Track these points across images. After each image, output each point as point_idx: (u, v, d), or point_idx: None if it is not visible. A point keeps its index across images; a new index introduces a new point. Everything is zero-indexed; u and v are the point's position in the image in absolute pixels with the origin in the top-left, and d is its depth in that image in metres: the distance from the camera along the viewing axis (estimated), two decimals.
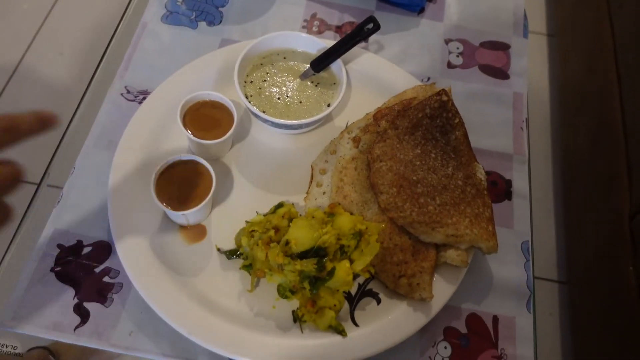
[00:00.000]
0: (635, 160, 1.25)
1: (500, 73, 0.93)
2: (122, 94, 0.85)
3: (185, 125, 0.76)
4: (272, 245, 0.67)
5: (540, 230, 1.59)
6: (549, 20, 1.97)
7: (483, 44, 0.96)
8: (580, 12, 1.71)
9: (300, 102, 0.81)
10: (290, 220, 0.70)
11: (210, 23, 0.94)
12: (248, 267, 0.70)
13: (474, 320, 0.72)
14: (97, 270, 0.72)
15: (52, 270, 0.71)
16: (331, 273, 0.67)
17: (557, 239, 1.59)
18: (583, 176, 1.50)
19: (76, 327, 0.68)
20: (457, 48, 0.96)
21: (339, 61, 0.82)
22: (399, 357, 0.69)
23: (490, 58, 0.95)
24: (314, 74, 0.83)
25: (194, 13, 0.95)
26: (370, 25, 0.83)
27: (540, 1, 2.01)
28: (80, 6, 1.82)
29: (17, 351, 0.67)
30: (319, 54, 0.83)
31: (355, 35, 0.83)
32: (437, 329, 0.71)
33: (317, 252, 0.67)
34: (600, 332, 1.28)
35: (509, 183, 0.83)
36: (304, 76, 0.83)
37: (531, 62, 0.96)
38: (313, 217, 0.70)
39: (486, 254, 0.72)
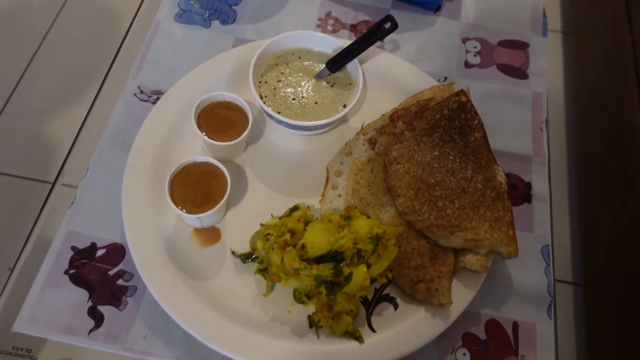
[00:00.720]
0: None
1: (519, 72, 0.91)
2: (135, 94, 0.84)
3: (199, 126, 0.75)
4: (287, 249, 0.66)
5: (555, 232, 1.56)
6: (565, 18, 1.93)
7: (501, 43, 0.95)
8: (597, 9, 1.68)
9: (316, 103, 0.80)
10: (306, 223, 0.69)
11: (224, 22, 0.93)
12: (263, 271, 0.69)
13: (493, 326, 0.71)
14: (111, 272, 0.72)
15: (66, 272, 0.71)
16: (348, 278, 0.66)
17: (572, 241, 1.57)
18: (598, 177, 1.47)
19: (90, 331, 0.68)
20: (475, 47, 0.94)
21: (355, 61, 0.81)
22: None
23: (508, 57, 0.93)
24: (329, 74, 0.82)
25: (207, 12, 0.94)
26: (388, 25, 0.81)
27: None
28: (92, 4, 1.81)
29: (31, 354, 0.67)
30: (334, 54, 0.82)
31: (372, 35, 0.81)
32: (456, 335, 0.70)
33: (333, 257, 0.66)
34: (615, 335, 1.26)
35: (528, 186, 0.81)
36: (319, 76, 0.82)
37: (548, 61, 0.94)
38: (329, 221, 0.69)
39: (506, 259, 0.70)
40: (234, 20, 0.94)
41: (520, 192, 0.81)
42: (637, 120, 1.30)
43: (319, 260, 0.66)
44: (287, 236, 0.67)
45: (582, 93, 1.70)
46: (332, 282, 0.66)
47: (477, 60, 0.93)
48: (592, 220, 1.49)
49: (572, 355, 1.41)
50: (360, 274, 0.67)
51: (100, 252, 0.73)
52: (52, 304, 0.69)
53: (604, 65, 1.56)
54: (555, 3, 1.96)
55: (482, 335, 0.70)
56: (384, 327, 0.68)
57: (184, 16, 0.93)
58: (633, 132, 1.31)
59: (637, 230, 1.20)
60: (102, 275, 0.71)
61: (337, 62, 0.81)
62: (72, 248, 0.73)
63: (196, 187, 0.70)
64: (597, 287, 1.40)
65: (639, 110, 1.31)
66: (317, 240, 0.66)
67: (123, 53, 0.92)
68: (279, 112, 0.77)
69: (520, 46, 0.94)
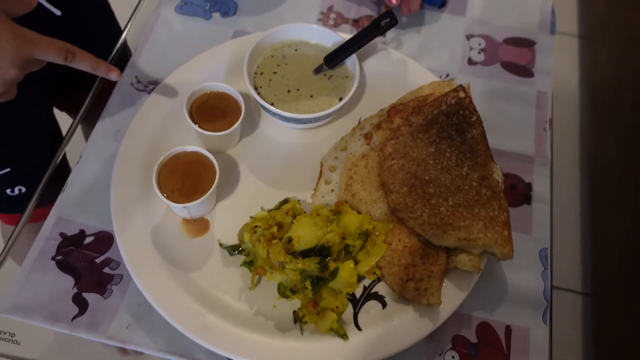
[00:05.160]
0: None
1: (524, 71, 0.89)
2: (132, 84, 0.84)
3: (191, 116, 0.74)
4: (274, 242, 0.65)
5: (564, 239, 1.52)
6: (581, 21, 1.89)
7: (507, 41, 0.92)
8: (613, 12, 1.64)
9: (312, 96, 0.79)
10: (295, 217, 0.68)
11: (225, 14, 0.93)
12: (249, 264, 0.68)
13: (485, 329, 0.68)
14: (98, 260, 0.71)
15: (53, 258, 0.71)
16: (334, 273, 0.64)
17: (582, 248, 1.53)
18: (611, 182, 1.43)
19: (74, 318, 0.67)
20: (479, 44, 0.92)
21: (353, 55, 0.79)
22: None
23: (514, 55, 0.90)
24: (327, 69, 0.80)
25: (209, 4, 0.94)
26: (388, 20, 0.79)
27: (571, 1, 1.93)
28: None
29: (14, 338, 0.67)
30: (332, 47, 0.80)
31: (371, 30, 0.80)
32: (445, 337, 0.68)
33: (320, 251, 0.64)
34: (624, 347, 1.21)
35: (528, 186, 0.78)
36: (316, 72, 0.80)
37: (561, 64, 0.91)
38: (318, 215, 0.67)
39: (501, 260, 0.68)
40: (235, 12, 0.93)
41: (520, 192, 0.78)
42: None
43: (305, 254, 0.64)
44: (275, 229, 0.66)
45: (596, 97, 1.66)
46: (318, 277, 0.64)
47: (481, 57, 0.90)
48: (604, 228, 1.44)
49: None
50: (347, 270, 0.65)
51: (88, 240, 0.72)
52: (37, 289, 0.68)
53: (619, 69, 1.52)
54: (572, 6, 1.92)
55: (473, 339, 0.68)
56: (370, 325, 0.66)
57: (185, 7, 0.93)
58: None
59: None
60: (89, 262, 0.71)
61: (334, 58, 0.79)
62: (61, 234, 0.72)
63: (184, 177, 0.70)
64: (606, 297, 1.35)
65: None
66: (303, 234, 0.65)
67: (123, 43, 0.92)
68: (272, 104, 0.76)
69: (527, 44, 0.92)
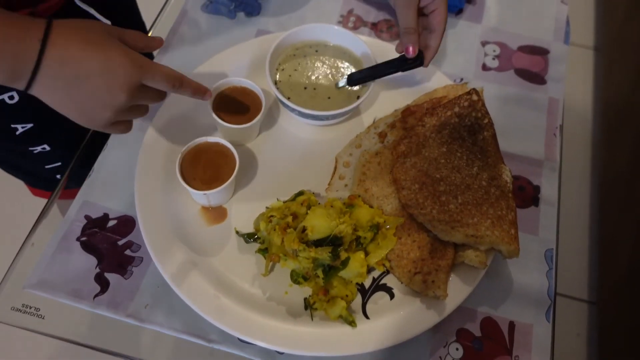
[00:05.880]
0: None
1: (536, 78, 0.91)
2: None
3: (214, 108, 0.77)
4: (288, 230, 0.68)
5: (574, 248, 1.53)
6: (597, 34, 1.90)
7: (521, 48, 0.94)
8: (630, 26, 1.65)
9: (329, 98, 0.81)
10: (309, 208, 0.70)
11: (249, 14, 0.96)
12: (264, 251, 0.71)
13: (489, 324, 0.71)
14: (120, 243, 0.74)
15: (77, 239, 0.74)
16: (345, 262, 0.67)
17: (590, 257, 1.53)
18: (620, 193, 1.44)
19: (95, 296, 0.70)
20: (494, 51, 0.94)
21: (370, 55, 0.82)
22: (409, 354, 0.68)
23: (527, 62, 0.93)
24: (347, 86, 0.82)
25: (234, 4, 0.97)
26: (416, 60, 0.79)
27: (588, 14, 1.94)
28: None
29: (39, 313, 0.70)
30: (351, 49, 0.83)
31: (398, 65, 0.80)
32: (450, 329, 0.70)
33: (332, 241, 0.67)
34: (629, 357, 1.22)
35: (537, 189, 0.81)
36: (337, 86, 0.83)
37: (576, 75, 0.94)
38: (332, 207, 0.70)
39: (507, 258, 0.70)
40: (259, 12, 0.97)
41: (528, 194, 0.80)
42: None
43: (318, 243, 0.67)
44: (290, 219, 0.69)
45: (610, 108, 1.67)
46: (329, 266, 0.67)
47: (495, 63, 0.93)
48: (612, 238, 1.45)
49: None
50: (357, 260, 0.68)
51: (111, 223, 0.76)
52: (62, 268, 0.72)
53: (633, 82, 1.53)
54: (589, 20, 1.93)
55: (477, 333, 0.70)
56: (378, 315, 0.68)
57: (211, 7, 0.97)
58: None
59: None
60: (111, 244, 0.74)
61: (357, 81, 0.81)
62: (86, 217, 0.76)
63: (206, 166, 0.73)
64: (612, 306, 1.36)
65: None
66: (317, 224, 0.67)
67: None
68: (289, 98, 0.79)
69: (541, 52, 0.94)
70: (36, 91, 0.59)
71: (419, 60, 0.80)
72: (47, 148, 0.90)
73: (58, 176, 0.86)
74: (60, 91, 0.59)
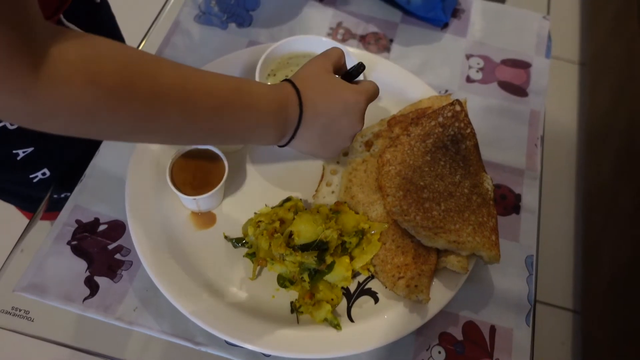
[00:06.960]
0: None
1: (518, 90, 0.94)
2: None
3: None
4: (275, 235, 0.69)
5: (558, 257, 1.56)
6: (582, 49, 1.95)
7: (504, 62, 0.98)
8: (612, 41, 1.70)
9: None
10: (296, 213, 0.72)
11: (240, 25, 0.99)
12: (251, 256, 0.72)
13: (470, 328, 0.73)
14: (110, 247, 0.76)
15: (68, 243, 0.75)
16: (330, 267, 0.69)
17: (575, 266, 1.56)
18: (605, 203, 1.47)
19: (85, 299, 0.71)
20: (478, 63, 0.97)
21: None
22: (392, 357, 0.70)
23: (510, 75, 0.96)
24: None
25: (226, 15, 1.00)
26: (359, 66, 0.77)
27: (574, 29, 2.00)
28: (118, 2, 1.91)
29: (29, 315, 0.71)
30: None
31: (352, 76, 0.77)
32: (433, 333, 0.72)
33: (318, 246, 0.69)
34: None
35: (518, 197, 0.83)
36: None
37: (562, 89, 0.97)
38: (318, 212, 0.72)
39: (488, 264, 0.72)
40: (250, 24, 0.99)
41: (509, 202, 0.83)
42: None
43: (305, 248, 0.69)
44: (277, 224, 0.71)
45: (594, 122, 1.71)
46: (315, 270, 0.69)
47: (479, 76, 0.96)
48: (596, 247, 1.48)
49: None
50: (342, 265, 0.70)
51: (102, 227, 0.77)
52: (52, 271, 0.73)
53: (616, 96, 1.57)
54: (575, 35, 1.98)
55: (459, 336, 0.72)
56: (362, 318, 0.70)
57: (203, 17, 0.99)
58: None
59: None
60: (101, 248, 0.75)
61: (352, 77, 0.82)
62: (77, 221, 0.77)
63: (196, 172, 0.75)
64: (596, 314, 1.38)
65: None
66: (304, 229, 0.69)
67: (143, 48, 0.98)
68: None
69: (523, 66, 0.97)
70: (291, 144, 0.70)
71: (362, 67, 0.77)
72: (47, 173, 0.90)
73: (55, 195, 0.86)
74: (312, 139, 0.70)
